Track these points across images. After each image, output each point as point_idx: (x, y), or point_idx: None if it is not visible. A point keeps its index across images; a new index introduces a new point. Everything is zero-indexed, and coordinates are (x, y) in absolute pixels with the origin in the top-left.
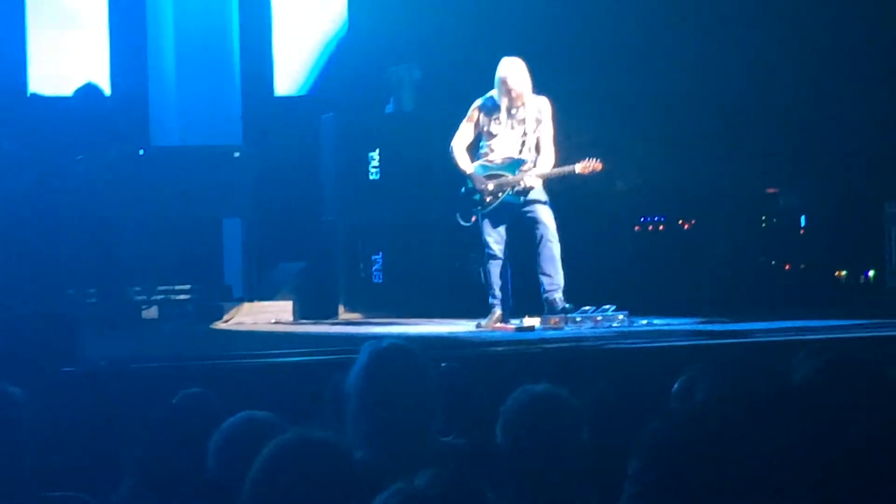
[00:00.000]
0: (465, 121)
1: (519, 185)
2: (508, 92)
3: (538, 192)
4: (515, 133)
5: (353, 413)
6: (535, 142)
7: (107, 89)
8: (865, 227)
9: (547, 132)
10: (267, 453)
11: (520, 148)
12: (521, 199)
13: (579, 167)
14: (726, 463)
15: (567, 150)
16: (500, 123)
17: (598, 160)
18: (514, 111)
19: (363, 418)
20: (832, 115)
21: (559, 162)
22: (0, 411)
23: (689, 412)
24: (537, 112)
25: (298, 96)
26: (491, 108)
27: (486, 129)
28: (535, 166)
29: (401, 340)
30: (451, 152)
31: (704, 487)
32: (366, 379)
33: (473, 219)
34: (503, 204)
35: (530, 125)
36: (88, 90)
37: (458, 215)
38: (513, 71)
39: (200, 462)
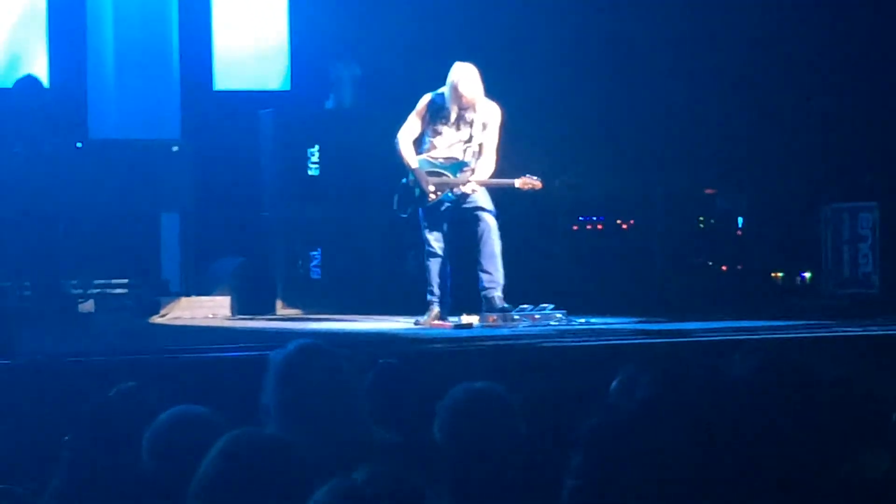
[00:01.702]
0: (413, 114)
1: (459, 188)
2: (459, 98)
3: (483, 191)
4: (461, 134)
5: (276, 419)
6: (478, 146)
7: (46, 81)
8: (802, 229)
9: (490, 138)
10: (219, 449)
11: (463, 149)
12: (461, 200)
13: (518, 182)
14: (665, 457)
15: (508, 149)
16: (446, 123)
17: (538, 179)
18: (463, 113)
19: (287, 423)
20: (770, 119)
21: (499, 167)
22: None
23: (629, 408)
24: (485, 117)
25: (238, 91)
26: (440, 106)
27: (432, 125)
28: (474, 170)
29: (308, 340)
30: (397, 143)
31: (644, 480)
32: (281, 386)
33: (409, 211)
34: (442, 202)
35: (477, 128)
36: (27, 82)
37: (395, 205)
38: (465, 77)
39: (134, 455)
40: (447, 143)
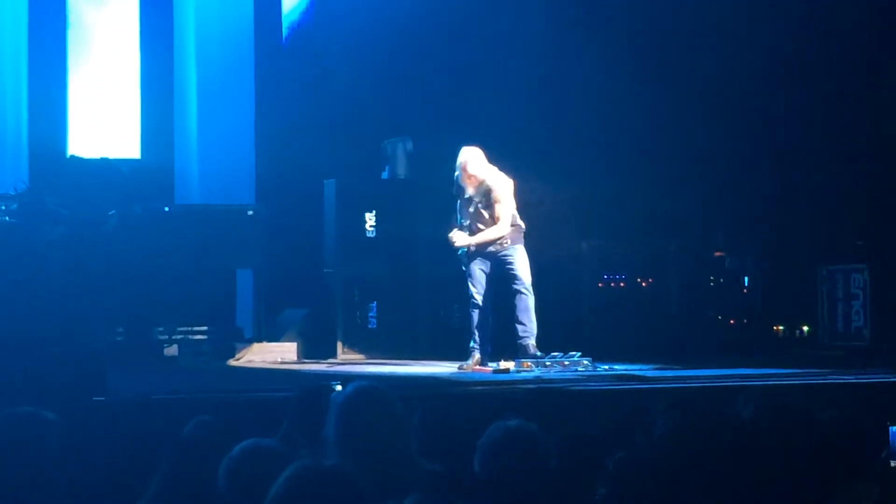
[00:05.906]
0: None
1: (469, 248)
2: (468, 178)
3: (519, 251)
4: (475, 206)
5: (335, 451)
6: (489, 214)
7: (138, 153)
8: (801, 287)
9: (498, 206)
10: (286, 477)
11: (478, 217)
12: (499, 253)
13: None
14: (681, 488)
15: (544, 215)
16: (465, 197)
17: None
18: (475, 188)
19: (345, 454)
20: (773, 191)
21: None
22: (37, 433)
23: (649, 445)
24: (493, 190)
25: (306, 162)
26: (459, 186)
27: (459, 199)
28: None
29: (365, 382)
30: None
31: None
32: (341, 421)
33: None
34: (482, 257)
35: (485, 200)
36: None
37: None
38: (467, 160)
39: (210, 480)
40: (466, 214)
